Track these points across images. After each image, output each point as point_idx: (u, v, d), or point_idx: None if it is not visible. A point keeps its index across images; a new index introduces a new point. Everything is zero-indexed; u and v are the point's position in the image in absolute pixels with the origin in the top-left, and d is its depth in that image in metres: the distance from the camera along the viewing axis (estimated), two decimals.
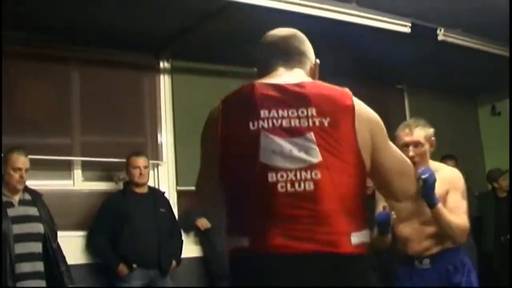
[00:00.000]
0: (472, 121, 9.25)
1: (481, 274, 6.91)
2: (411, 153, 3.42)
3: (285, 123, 1.99)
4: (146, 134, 6.47)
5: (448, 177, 3.52)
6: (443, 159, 7.27)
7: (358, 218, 2.02)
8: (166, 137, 6.45)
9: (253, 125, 1.99)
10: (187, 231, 6.13)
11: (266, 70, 2.20)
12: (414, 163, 3.30)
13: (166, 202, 5.84)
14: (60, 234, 5.05)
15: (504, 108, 8.92)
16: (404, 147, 3.44)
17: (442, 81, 7.94)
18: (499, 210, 7.37)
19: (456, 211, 3.42)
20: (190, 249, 6.12)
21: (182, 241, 5.86)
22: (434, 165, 3.59)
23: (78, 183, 5.98)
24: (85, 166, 6.03)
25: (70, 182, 5.96)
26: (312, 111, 2.00)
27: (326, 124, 1.99)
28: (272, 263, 1.91)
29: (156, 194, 5.82)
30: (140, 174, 5.64)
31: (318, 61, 2.31)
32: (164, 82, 6.53)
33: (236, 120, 2.02)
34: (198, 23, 5.69)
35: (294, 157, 1.96)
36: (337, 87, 2.09)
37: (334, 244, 1.92)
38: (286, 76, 2.14)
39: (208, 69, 6.68)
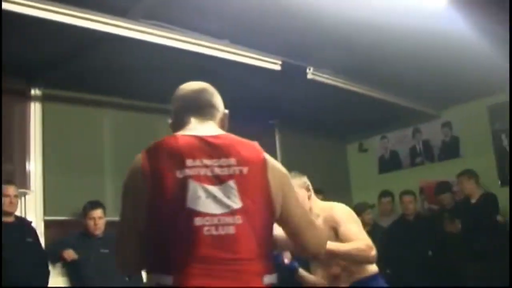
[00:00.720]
0: (340, 157, 9.59)
1: None
2: None
3: (209, 171, 2.11)
4: (14, 161, 6.30)
5: (329, 215, 3.52)
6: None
7: (269, 260, 2.18)
8: (34, 166, 6.31)
9: (180, 173, 2.08)
10: (53, 262, 5.99)
11: (181, 122, 2.31)
12: None
13: (34, 232, 5.70)
14: None
15: (370, 145, 9.34)
16: None
17: (313, 118, 8.19)
18: None
19: (350, 237, 3.40)
20: (56, 280, 5.99)
21: (49, 271, 5.75)
22: (320, 205, 3.66)
23: None
24: None
25: None
26: (232, 161, 2.14)
27: (245, 172, 2.14)
28: None
29: (23, 224, 5.67)
30: (10, 202, 5.50)
31: (227, 111, 2.42)
32: (35, 110, 6.40)
33: (162, 169, 2.09)
34: (73, 53, 5.67)
35: (218, 203, 2.08)
36: (247, 140, 2.25)
37: (249, 284, 2.06)
38: (201, 128, 2.26)
39: (80, 98, 6.62)
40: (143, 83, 6.44)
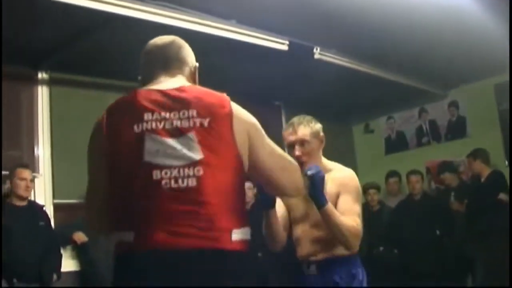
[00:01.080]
0: (346, 138, 9.59)
1: None
2: (297, 153, 3.20)
3: (167, 124, 2.07)
4: (22, 146, 6.33)
5: (340, 178, 3.25)
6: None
7: (239, 215, 2.11)
8: (43, 150, 6.33)
9: (137, 127, 2.05)
10: (64, 245, 6.01)
11: (148, 78, 2.27)
12: (302, 163, 3.12)
13: (46, 216, 5.72)
14: None
15: (377, 126, 9.34)
16: (289, 147, 3.25)
17: (319, 99, 8.17)
18: (371, 222, 7.65)
19: (347, 214, 3.13)
20: (67, 263, 6.01)
21: (61, 255, 5.78)
22: (327, 164, 3.36)
23: None
24: None
25: None
26: (193, 112, 2.09)
27: (206, 124, 2.08)
28: (155, 259, 1.96)
29: (35, 208, 5.69)
30: (27, 186, 5.50)
31: (197, 64, 2.38)
32: (42, 94, 6.41)
33: (121, 125, 2.08)
34: (78, 36, 5.65)
35: (177, 155, 2.03)
36: (215, 92, 2.20)
37: (215, 240, 2.00)
38: (166, 82, 2.21)
39: (87, 81, 6.62)
40: None
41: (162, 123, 2.07)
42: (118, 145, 2.07)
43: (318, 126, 3.36)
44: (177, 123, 2.07)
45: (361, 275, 3.28)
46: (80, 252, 6.05)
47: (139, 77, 2.34)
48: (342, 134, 9.49)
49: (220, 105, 2.14)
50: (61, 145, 6.22)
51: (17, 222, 5.34)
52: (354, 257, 3.29)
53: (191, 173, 2.03)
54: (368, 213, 7.71)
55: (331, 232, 3.14)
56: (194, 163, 2.04)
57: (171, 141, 2.05)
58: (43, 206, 5.85)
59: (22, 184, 5.47)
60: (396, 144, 9.18)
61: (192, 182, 2.02)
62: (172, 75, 2.27)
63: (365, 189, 7.82)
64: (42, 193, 6.23)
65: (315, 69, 6.67)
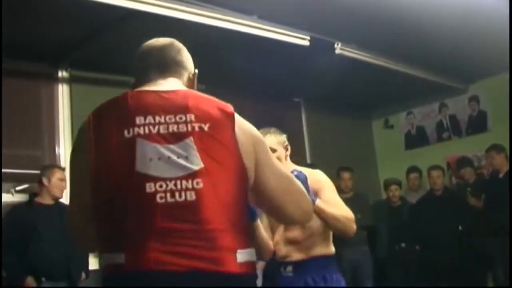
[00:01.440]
0: (366, 133, 9.54)
1: (377, 278, 7.21)
2: None
3: (162, 129, 1.84)
4: (43, 145, 6.32)
5: (313, 177, 3.28)
6: (339, 170, 7.48)
7: (243, 233, 1.88)
8: (64, 148, 6.31)
9: (128, 132, 1.83)
10: None
11: (142, 80, 2.06)
12: None
13: None
14: None
15: (396, 121, 9.28)
16: None
17: (338, 95, 8.14)
18: (393, 218, 7.62)
19: (334, 205, 3.29)
20: (92, 262, 6.00)
21: (88, 254, 5.76)
22: (297, 168, 3.34)
23: None
24: None
25: None
26: (191, 116, 1.87)
27: (206, 128, 1.86)
28: (149, 281, 1.73)
29: (61, 206, 5.68)
30: (63, 187, 5.52)
31: (196, 71, 2.19)
32: (62, 92, 6.41)
33: (109, 129, 1.85)
34: (98, 32, 5.63)
35: (173, 165, 1.81)
36: (212, 97, 2.00)
37: (218, 262, 1.77)
38: (161, 85, 2.02)
39: (107, 79, 6.60)
40: None
41: (156, 128, 1.84)
42: (105, 153, 1.83)
43: (283, 136, 3.44)
44: (173, 127, 1.85)
45: (335, 279, 3.40)
46: None
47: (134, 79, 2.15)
48: (361, 129, 9.46)
49: (221, 110, 1.93)
50: None
51: (46, 221, 5.35)
52: (330, 260, 3.45)
53: (189, 185, 1.79)
54: (389, 209, 7.69)
55: (329, 224, 3.30)
56: (193, 174, 1.80)
57: (166, 149, 1.82)
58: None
59: (60, 184, 5.49)
60: (416, 139, 9.10)
61: (190, 196, 1.78)
62: (169, 78, 2.07)
63: (387, 185, 7.79)
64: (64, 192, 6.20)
65: (335, 64, 6.61)
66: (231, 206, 1.85)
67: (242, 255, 1.82)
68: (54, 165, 5.76)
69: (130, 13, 5.07)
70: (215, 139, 1.86)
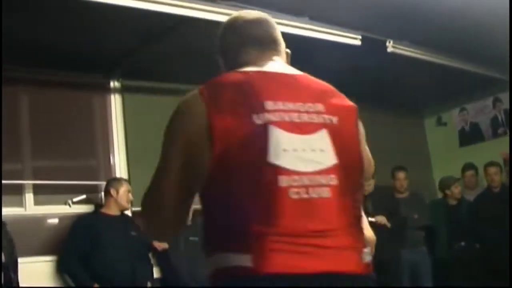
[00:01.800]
0: (419, 131, 9.40)
1: (437, 278, 7.09)
2: None
3: (295, 117, 1.66)
4: (98, 155, 6.38)
5: None
6: (393, 170, 7.38)
7: (362, 231, 1.75)
8: (118, 158, 6.36)
9: (258, 118, 1.63)
10: None
11: (238, 59, 1.88)
12: None
13: (136, 226, 5.75)
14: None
15: (449, 118, 9.12)
16: None
17: (390, 93, 8.03)
18: (451, 217, 7.48)
19: None
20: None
21: (152, 265, 5.83)
22: None
23: (30, 207, 5.82)
24: (37, 190, 5.87)
25: (21, 208, 5.79)
26: (321, 107, 1.71)
27: (335, 121, 1.71)
28: (278, 286, 1.55)
29: (126, 217, 5.77)
30: (129, 199, 5.64)
31: (289, 51, 2.04)
32: (115, 102, 6.45)
33: (232, 110, 1.64)
34: (148, 41, 5.63)
35: (308, 158, 1.63)
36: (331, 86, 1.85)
37: (346, 263, 1.62)
38: (273, 65, 1.84)
39: (159, 87, 6.62)
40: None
41: (288, 115, 1.65)
42: (231, 138, 1.61)
43: None
44: (305, 117, 1.67)
45: None
46: (160, 259, 6.04)
47: (221, 58, 1.98)
48: (414, 127, 9.31)
49: (344, 100, 1.80)
50: (136, 153, 6.24)
51: (112, 231, 5.44)
52: None
53: (324, 181, 1.62)
54: (447, 208, 7.56)
55: None
56: (327, 170, 1.64)
57: (301, 140, 1.64)
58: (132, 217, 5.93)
59: (127, 196, 5.62)
60: (470, 136, 8.91)
61: (324, 193, 1.62)
62: (272, 58, 1.88)
63: (449, 183, 7.57)
64: None
65: (386, 63, 6.53)
66: (357, 203, 1.73)
67: (366, 255, 1.69)
68: (121, 178, 5.88)
69: (179, 21, 5.06)
70: (344, 132, 1.73)
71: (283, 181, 1.59)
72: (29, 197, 5.80)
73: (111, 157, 6.36)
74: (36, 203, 5.86)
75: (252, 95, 1.68)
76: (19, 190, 5.78)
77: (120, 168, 6.31)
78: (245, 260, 1.55)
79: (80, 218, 5.60)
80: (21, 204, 5.79)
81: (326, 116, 1.71)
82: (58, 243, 5.58)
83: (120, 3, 4.48)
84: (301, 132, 1.66)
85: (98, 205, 5.74)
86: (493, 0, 5.51)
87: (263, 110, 1.64)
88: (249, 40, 1.91)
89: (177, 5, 4.74)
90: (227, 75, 1.77)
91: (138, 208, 6.12)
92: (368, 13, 5.60)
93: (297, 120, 1.66)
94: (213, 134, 1.61)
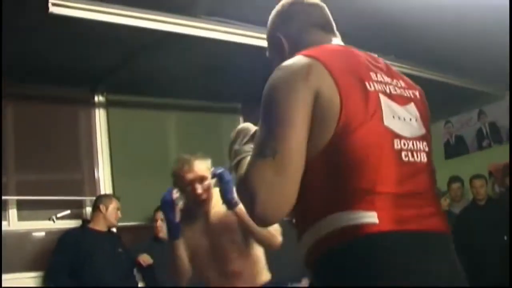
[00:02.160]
0: None
1: None
2: (199, 191, 3.17)
3: (392, 89, 1.78)
4: (83, 169, 6.36)
5: None
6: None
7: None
8: (103, 172, 6.34)
9: (370, 86, 1.71)
10: None
11: (307, 40, 1.90)
12: (204, 200, 3.20)
13: (122, 242, 5.78)
14: None
15: (434, 131, 8.70)
16: (187, 185, 3.19)
17: None
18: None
19: None
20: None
21: (137, 282, 5.83)
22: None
23: (14, 223, 5.79)
24: (21, 205, 5.85)
25: (4, 222, 5.75)
26: (402, 82, 1.86)
27: (417, 96, 1.87)
28: (406, 241, 1.61)
29: (113, 234, 5.77)
30: (118, 216, 5.67)
31: None
32: (100, 116, 6.45)
33: (350, 76, 1.70)
34: (132, 56, 5.64)
35: (409, 125, 1.76)
36: None
37: (442, 224, 1.74)
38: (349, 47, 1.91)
39: (143, 102, 6.63)
40: (207, 82, 6.40)
41: (388, 87, 1.77)
42: (353, 101, 1.66)
43: (209, 160, 3.31)
44: (398, 90, 1.80)
45: None
46: (145, 275, 6.00)
47: (284, 41, 1.94)
48: None
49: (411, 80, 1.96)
50: (121, 167, 6.22)
51: (100, 247, 5.44)
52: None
53: (422, 147, 1.76)
54: None
55: (251, 233, 3.15)
56: (422, 137, 1.78)
57: (400, 109, 1.76)
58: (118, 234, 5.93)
59: (116, 213, 5.64)
60: (456, 148, 8.94)
61: (423, 158, 1.75)
62: (337, 41, 1.97)
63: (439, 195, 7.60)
64: None
65: None
66: (434, 171, 1.85)
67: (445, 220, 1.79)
68: (111, 194, 5.89)
69: (163, 36, 5.06)
70: (421, 108, 1.85)
71: (397, 144, 1.70)
72: (12, 212, 5.77)
73: (95, 172, 6.34)
74: (20, 218, 5.84)
75: (357, 65, 1.77)
76: (3, 205, 5.74)
77: (105, 182, 6.29)
78: (371, 217, 1.59)
79: (67, 233, 5.57)
80: (4, 219, 5.75)
81: (410, 91, 1.85)
82: (42, 259, 5.55)
83: (105, 19, 4.47)
84: (400, 103, 1.78)
85: (86, 220, 5.72)
86: (478, 14, 5.53)
87: (371, 79, 1.74)
88: (317, 22, 1.97)
89: (161, 21, 4.73)
90: (327, 46, 1.85)
91: (125, 224, 6.15)
92: (354, 27, 5.60)
93: (394, 92, 1.78)
94: (342, 96, 1.64)
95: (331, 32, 1.99)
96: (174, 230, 3.17)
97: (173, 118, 6.92)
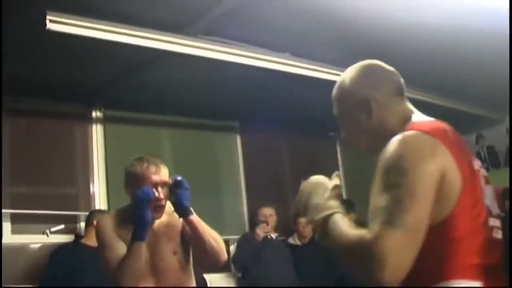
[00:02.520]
0: None
1: None
2: (162, 195, 3.10)
3: (480, 169, 1.91)
4: (78, 184, 6.34)
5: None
6: None
7: None
8: (98, 188, 6.33)
9: (472, 165, 1.86)
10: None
11: (393, 109, 2.01)
12: (162, 206, 3.11)
13: None
14: None
15: None
16: (153, 186, 3.11)
17: None
18: None
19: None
20: None
21: None
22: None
23: (7, 236, 5.77)
24: (14, 218, 5.83)
25: None
26: (477, 162, 1.93)
27: (487, 178, 1.94)
28: None
29: None
30: None
31: None
32: (97, 132, 6.45)
33: (463, 160, 1.79)
34: (130, 72, 5.66)
35: (492, 203, 1.87)
36: None
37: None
38: (430, 120, 2.00)
39: (140, 118, 6.63)
40: (204, 99, 6.42)
41: (477, 166, 1.90)
42: (468, 181, 1.76)
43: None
44: (481, 170, 1.91)
45: None
46: None
47: (372, 104, 2.00)
48: None
49: None
50: (116, 183, 6.21)
51: (92, 263, 5.34)
52: None
53: (499, 225, 1.86)
54: None
55: (198, 244, 3.08)
56: (498, 215, 1.89)
57: (487, 187, 1.88)
58: None
59: None
60: None
61: (500, 235, 1.85)
62: (412, 109, 2.05)
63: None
64: None
65: None
66: None
67: None
68: (105, 210, 5.84)
69: (161, 53, 5.06)
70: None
71: (491, 221, 1.83)
72: (6, 225, 5.76)
73: (91, 187, 6.33)
74: (14, 232, 5.82)
75: (462, 144, 1.89)
76: None
77: (100, 197, 6.29)
78: (476, 285, 1.71)
79: (60, 248, 5.53)
80: None
81: (484, 172, 1.93)
82: (35, 273, 5.53)
83: (103, 37, 4.48)
84: (486, 182, 1.89)
85: (79, 236, 5.68)
86: (477, 38, 5.54)
87: (473, 158, 1.90)
88: (399, 91, 2.06)
89: (158, 39, 4.74)
90: (434, 123, 1.93)
91: None
92: (350, 50, 5.62)
93: (482, 172, 1.90)
94: (463, 179, 1.75)
95: (407, 101, 2.08)
96: (145, 231, 3.04)
97: (169, 135, 6.91)
